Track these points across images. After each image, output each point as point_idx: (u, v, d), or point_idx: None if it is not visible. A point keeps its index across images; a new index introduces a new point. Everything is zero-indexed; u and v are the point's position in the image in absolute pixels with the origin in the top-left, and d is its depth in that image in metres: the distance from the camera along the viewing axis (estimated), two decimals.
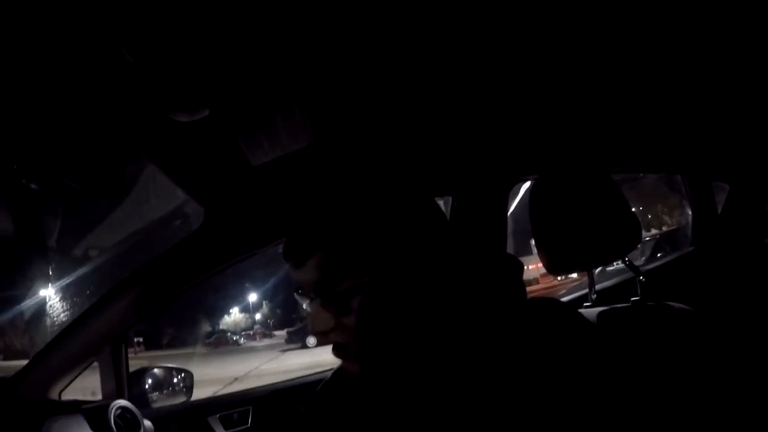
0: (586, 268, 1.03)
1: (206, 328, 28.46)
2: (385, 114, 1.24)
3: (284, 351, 18.48)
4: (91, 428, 1.29)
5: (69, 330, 1.52)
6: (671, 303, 0.95)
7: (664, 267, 1.85)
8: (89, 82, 0.83)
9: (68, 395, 1.56)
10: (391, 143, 1.38)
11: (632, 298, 1.01)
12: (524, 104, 1.34)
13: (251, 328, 30.01)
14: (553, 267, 0.97)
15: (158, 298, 1.55)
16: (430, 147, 1.46)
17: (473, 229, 1.51)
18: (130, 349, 1.67)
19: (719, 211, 1.83)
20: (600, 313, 0.95)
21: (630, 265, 1.04)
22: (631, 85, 1.33)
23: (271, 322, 29.69)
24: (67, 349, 1.51)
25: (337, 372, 0.85)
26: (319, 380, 1.81)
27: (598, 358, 0.64)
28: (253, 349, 21.83)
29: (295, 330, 21.48)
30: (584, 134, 1.47)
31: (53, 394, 1.51)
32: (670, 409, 0.78)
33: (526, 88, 1.25)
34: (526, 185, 1.65)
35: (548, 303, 0.71)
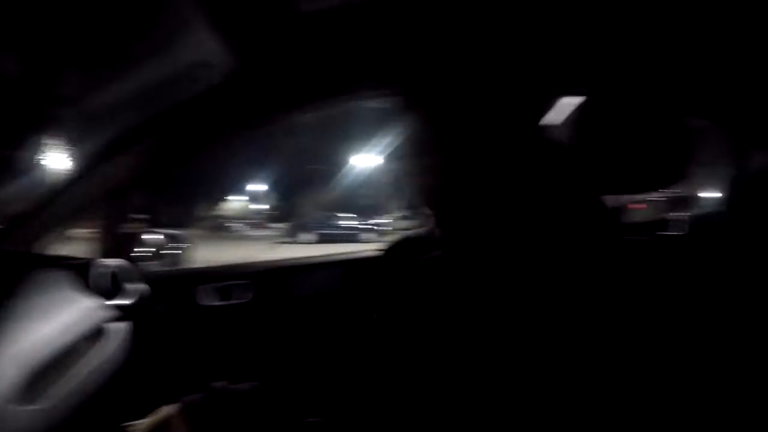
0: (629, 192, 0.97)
1: (205, 211, 28.82)
2: None
3: (278, 243, 18.78)
4: (76, 284, 1.21)
5: (65, 184, 1.37)
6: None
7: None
8: None
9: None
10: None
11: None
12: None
13: (249, 217, 30.40)
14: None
15: (164, 159, 1.40)
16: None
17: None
18: (128, 225, 1.57)
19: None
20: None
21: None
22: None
23: (266, 213, 29.98)
24: (60, 203, 1.38)
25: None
26: (322, 263, 1.71)
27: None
28: (249, 238, 22.18)
29: (292, 225, 21.78)
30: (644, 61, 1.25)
31: (39, 249, 1.41)
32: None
33: None
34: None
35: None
